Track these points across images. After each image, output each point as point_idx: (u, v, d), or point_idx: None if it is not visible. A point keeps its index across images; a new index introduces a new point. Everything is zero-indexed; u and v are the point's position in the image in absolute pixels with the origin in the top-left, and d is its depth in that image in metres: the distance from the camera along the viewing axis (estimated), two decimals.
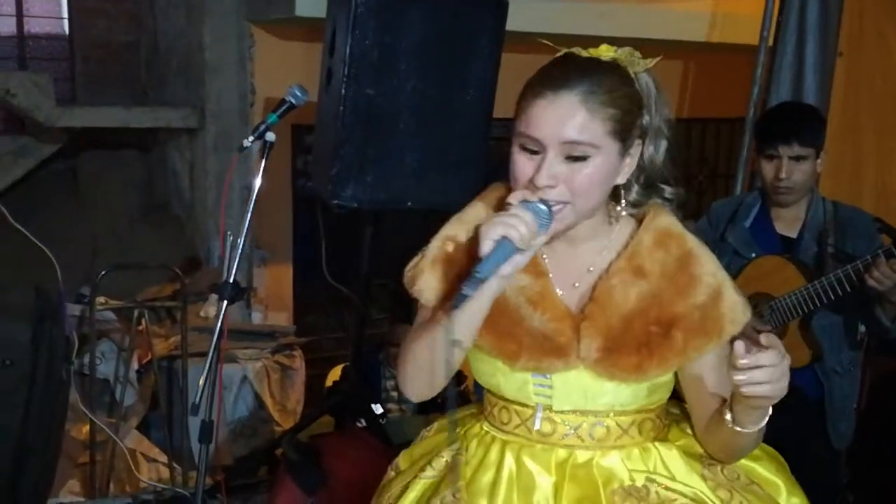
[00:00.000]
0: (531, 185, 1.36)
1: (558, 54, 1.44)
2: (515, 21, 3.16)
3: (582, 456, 1.45)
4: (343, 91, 2.74)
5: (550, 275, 1.48)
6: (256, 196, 2.30)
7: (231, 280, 2.23)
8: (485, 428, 1.55)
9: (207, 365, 2.18)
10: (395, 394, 5.00)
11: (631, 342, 1.41)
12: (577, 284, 1.47)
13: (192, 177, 4.75)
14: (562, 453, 1.46)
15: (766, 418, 1.37)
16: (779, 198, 2.50)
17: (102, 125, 4.54)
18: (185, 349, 3.68)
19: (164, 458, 3.76)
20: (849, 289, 2.32)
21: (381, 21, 2.72)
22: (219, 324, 2.22)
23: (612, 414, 1.46)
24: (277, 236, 4.84)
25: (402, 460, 1.63)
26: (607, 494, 1.41)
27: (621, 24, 4.47)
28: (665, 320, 1.41)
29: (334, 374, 4.54)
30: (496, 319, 1.42)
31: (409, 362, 1.45)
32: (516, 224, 1.29)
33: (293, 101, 2.29)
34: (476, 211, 1.51)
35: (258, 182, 2.28)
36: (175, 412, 3.85)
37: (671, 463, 1.47)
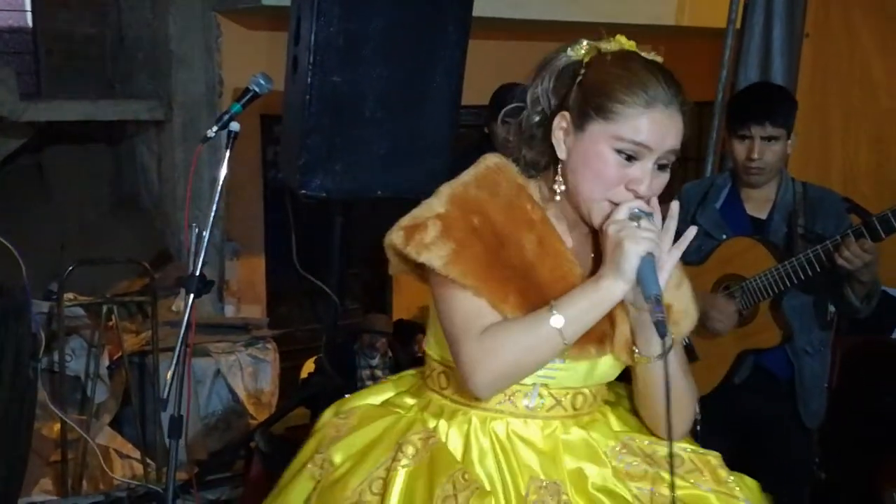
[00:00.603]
0: (631, 191, 1.36)
1: (615, 48, 1.41)
2: (482, 7, 3.13)
3: (565, 427, 1.47)
4: (309, 79, 2.70)
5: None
6: (225, 187, 2.26)
7: (198, 273, 2.20)
8: (448, 405, 1.50)
9: (175, 359, 2.15)
10: (370, 383, 4.99)
11: (648, 328, 1.43)
12: (580, 270, 1.47)
13: (161, 169, 4.70)
14: (546, 425, 1.46)
15: (668, 345, 1.35)
16: (750, 178, 2.50)
17: (68, 119, 4.48)
18: (155, 344, 3.64)
19: (137, 455, 3.73)
20: (819, 269, 2.33)
21: (345, 8, 2.68)
22: (186, 317, 2.19)
23: (586, 384, 1.48)
24: (249, 228, 4.80)
25: (336, 454, 1.50)
26: (607, 454, 1.45)
27: (591, 9, 4.46)
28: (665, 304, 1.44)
29: (309, 365, 4.52)
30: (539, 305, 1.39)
31: (505, 362, 1.36)
32: (656, 238, 1.33)
33: (257, 89, 2.25)
34: (494, 185, 1.44)
35: (223, 173, 2.24)
36: (147, 408, 3.82)
37: (630, 421, 1.54)
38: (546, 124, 1.43)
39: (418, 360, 5.84)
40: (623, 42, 1.42)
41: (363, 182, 2.84)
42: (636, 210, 1.35)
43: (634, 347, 1.43)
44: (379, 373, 5.06)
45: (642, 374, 1.48)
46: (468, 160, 4.13)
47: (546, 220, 1.44)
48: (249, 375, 4.31)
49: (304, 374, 4.72)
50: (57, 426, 3.58)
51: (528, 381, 1.43)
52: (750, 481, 1.51)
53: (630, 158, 1.36)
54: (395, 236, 1.43)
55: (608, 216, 1.37)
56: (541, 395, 1.45)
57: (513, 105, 1.48)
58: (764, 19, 3.60)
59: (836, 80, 3.32)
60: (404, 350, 5.51)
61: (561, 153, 1.41)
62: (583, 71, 1.40)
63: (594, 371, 1.46)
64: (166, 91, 4.52)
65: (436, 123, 2.93)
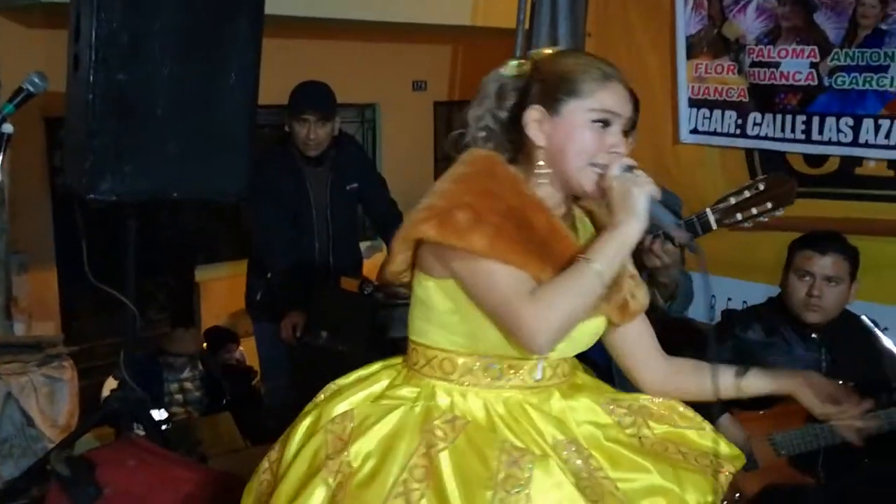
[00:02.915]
0: (613, 154, 1.56)
1: (548, 52, 1.65)
2: (277, 5, 3.10)
3: (562, 393, 1.65)
4: (92, 77, 2.58)
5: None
6: (6, 196, 2.12)
7: None
8: (456, 387, 1.59)
9: None
10: (179, 397, 4.82)
11: (628, 291, 1.67)
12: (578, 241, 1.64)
13: None
14: (550, 393, 1.63)
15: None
16: None
17: None
18: None
19: None
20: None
21: (128, 2, 2.59)
22: None
23: (571, 354, 1.68)
24: (37, 239, 4.51)
25: (354, 456, 1.54)
26: (603, 410, 1.66)
27: (387, 9, 4.51)
28: (632, 273, 1.69)
29: (111, 382, 4.31)
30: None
31: (564, 312, 1.49)
32: (652, 181, 1.53)
33: (31, 88, 2.14)
34: (492, 173, 1.57)
35: None
36: None
37: (588, 380, 1.76)
38: (507, 127, 1.63)
39: (229, 368, 5.69)
40: (548, 49, 1.68)
41: (156, 184, 2.75)
42: (626, 163, 1.55)
43: (744, 389, 1.72)
44: (189, 384, 4.89)
45: None
46: (270, 159, 4.06)
47: (543, 200, 1.60)
48: (45, 397, 4.04)
49: (105, 392, 4.49)
50: None
51: (533, 355, 1.58)
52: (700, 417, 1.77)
53: (605, 125, 1.57)
54: (425, 229, 1.52)
55: (598, 180, 1.57)
56: (544, 368, 1.62)
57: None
58: (550, 20, 3.78)
59: None
60: (214, 359, 5.36)
61: (540, 141, 1.59)
62: (533, 73, 1.61)
63: (580, 339, 1.64)
64: None
65: (233, 122, 2.88)
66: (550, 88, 1.58)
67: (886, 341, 2.37)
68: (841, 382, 1.79)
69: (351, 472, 1.52)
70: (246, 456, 4.20)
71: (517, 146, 1.63)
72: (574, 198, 1.66)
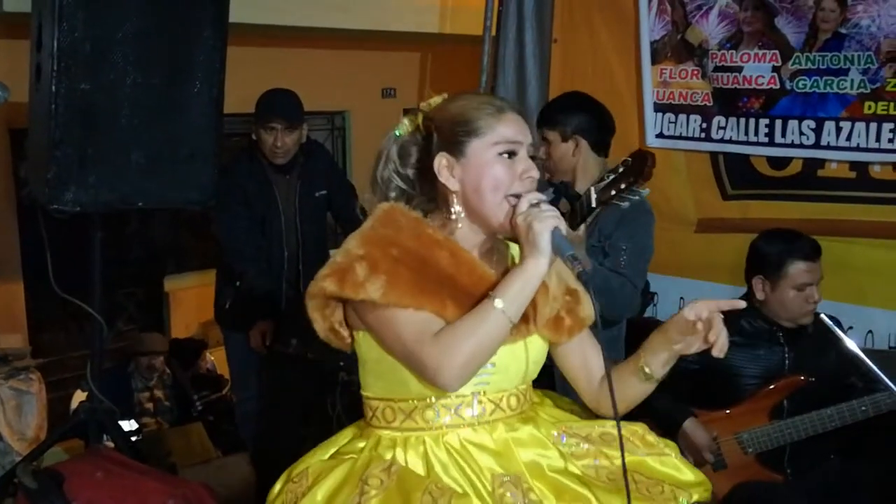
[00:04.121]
0: (526, 180, 1.62)
1: (435, 101, 1.71)
2: (244, 13, 3.09)
3: (510, 426, 1.67)
4: (54, 87, 2.55)
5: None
6: None
7: None
8: (398, 435, 1.65)
9: None
10: (149, 406, 4.78)
11: (562, 308, 1.72)
12: (493, 271, 1.67)
13: None
14: (493, 428, 1.65)
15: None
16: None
17: None
18: None
19: None
20: None
21: (90, 11, 2.56)
22: None
23: (517, 386, 1.70)
24: (2, 251, 4.46)
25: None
26: (553, 441, 1.68)
27: (356, 16, 4.51)
28: (570, 290, 1.75)
29: (80, 394, 4.26)
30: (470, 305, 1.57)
31: (465, 351, 1.52)
32: (557, 214, 1.57)
33: None
34: (394, 222, 1.62)
35: None
36: None
37: (557, 413, 1.80)
38: (418, 181, 1.69)
39: (200, 378, 5.64)
40: (435, 97, 1.73)
41: (122, 193, 2.73)
42: (533, 199, 1.59)
43: (646, 368, 1.66)
44: (159, 393, 4.84)
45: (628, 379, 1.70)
46: (237, 167, 4.04)
47: (449, 238, 1.65)
48: (12, 410, 4.00)
49: (74, 404, 4.45)
50: None
51: (466, 391, 1.62)
52: (671, 442, 1.80)
53: (511, 155, 1.63)
54: (326, 284, 1.58)
55: (510, 213, 1.61)
56: (481, 402, 1.65)
57: (368, 195, 1.72)
58: (516, 26, 3.80)
59: (583, 82, 3.54)
60: (187, 368, 5.32)
61: (453, 185, 1.64)
62: (427, 125, 1.68)
63: (523, 369, 1.69)
64: None
65: (198, 130, 2.86)
66: (449, 134, 1.64)
67: (848, 341, 2.41)
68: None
69: None
70: (218, 466, 4.17)
71: (431, 197, 1.69)
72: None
